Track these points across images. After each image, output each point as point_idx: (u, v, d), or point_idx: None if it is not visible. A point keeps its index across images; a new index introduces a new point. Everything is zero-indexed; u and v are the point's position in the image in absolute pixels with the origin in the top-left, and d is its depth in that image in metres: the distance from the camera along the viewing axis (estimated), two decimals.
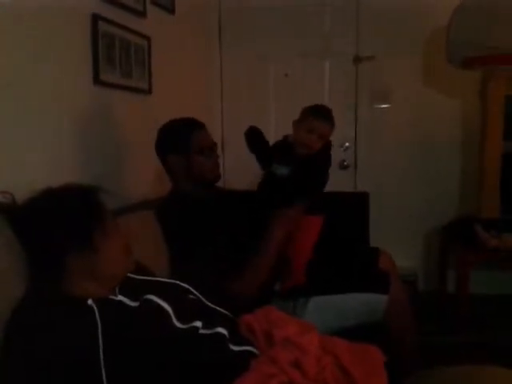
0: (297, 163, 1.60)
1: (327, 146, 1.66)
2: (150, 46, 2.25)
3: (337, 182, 3.04)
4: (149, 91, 2.27)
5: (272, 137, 1.76)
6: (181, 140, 1.70)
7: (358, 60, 3.01)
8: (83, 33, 1.78)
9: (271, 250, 1.57)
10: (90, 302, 0.99)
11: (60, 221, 1.00)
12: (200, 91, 3.04)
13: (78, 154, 1.76)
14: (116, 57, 1.99)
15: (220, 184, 1.84)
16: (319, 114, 1.62)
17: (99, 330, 0.94)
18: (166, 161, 1.73)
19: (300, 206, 1.62)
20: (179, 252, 1.59)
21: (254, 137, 1.69)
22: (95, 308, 0.97)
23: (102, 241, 1.03)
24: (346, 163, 3.10)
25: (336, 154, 3.09)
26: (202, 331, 1.05)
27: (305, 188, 1.62)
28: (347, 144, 3.09)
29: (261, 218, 1.65)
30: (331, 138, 1.67)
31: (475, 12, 2.29)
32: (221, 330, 1.07)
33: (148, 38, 2.24)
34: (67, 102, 1.69)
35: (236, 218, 1.75)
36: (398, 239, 3.04)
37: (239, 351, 1.06)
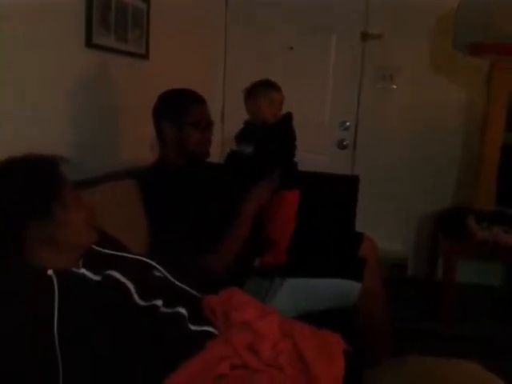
0: (259, 138, 1.65)
1: (288, 116, 1.73)
2: (149, 10, 2.20)
3: (334, 161, 3.05)
4: (146, 56, 2.23)
5: None
6: (179, 108, 1.68)
7: (365, 37, 2.92)
8: None
9: (243, 224, 1.61)
10: (50, 272, 0.99)
11: (18, 190, 1.00)
12: (202, 61, 2.97)
13: (67, 118, 1.74)
14: (112, 20, 1.94)
15: (217, 156, 1.84)
16: (273, 85, 1.77)
17: (56, 302, 0.95)
18: (159, 127, 1.71)
19: (270, 180, 1.66)
20: (157, 222, 1.59)
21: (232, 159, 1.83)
22: (54, 279, 0.98)
23: (61, 211, 1.03)
24: (345, 143, 3.05)
25: (336, 133, 3.05)
26: (162, 310, 1.06)
27: (269, 160, 1.68)
28: (348, 123, 3.03)
29: (239, 194, 1.66)
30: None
31: None
32: (181, 309, 1.07)
33: (147, 1, 2.18)
34: (57, 64, 1.66)
35: (216, 193, 1.74)
36: (392, 223, 3.04)
37: (198, 331, 1.06)
